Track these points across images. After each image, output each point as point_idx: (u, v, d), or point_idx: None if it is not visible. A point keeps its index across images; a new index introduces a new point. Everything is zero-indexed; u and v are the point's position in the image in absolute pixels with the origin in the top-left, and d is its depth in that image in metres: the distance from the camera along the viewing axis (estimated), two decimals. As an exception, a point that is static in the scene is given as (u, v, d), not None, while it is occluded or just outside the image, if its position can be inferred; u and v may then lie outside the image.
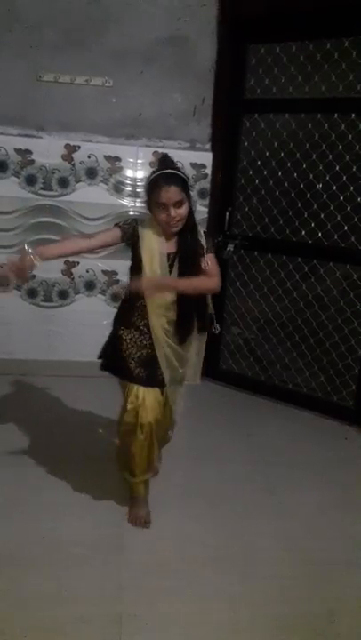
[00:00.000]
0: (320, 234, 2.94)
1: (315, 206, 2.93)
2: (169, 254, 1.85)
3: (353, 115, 2.74)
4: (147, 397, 1.90)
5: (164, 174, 1.77)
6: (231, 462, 2.55)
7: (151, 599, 1.70)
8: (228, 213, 3.15)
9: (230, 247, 3.13)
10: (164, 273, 1.84)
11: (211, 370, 3.41)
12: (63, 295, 3.20)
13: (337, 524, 2.15)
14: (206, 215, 3.17)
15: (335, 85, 2.77)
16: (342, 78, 2.74)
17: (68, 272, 3.17)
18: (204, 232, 1.92)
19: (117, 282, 3.20)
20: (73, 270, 3.16)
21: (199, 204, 3.14)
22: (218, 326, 2.08)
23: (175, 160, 2.99)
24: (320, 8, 2.64)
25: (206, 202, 3.16)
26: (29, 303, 3.20)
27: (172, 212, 1.75)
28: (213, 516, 2.13)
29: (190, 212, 1.83)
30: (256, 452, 2.65)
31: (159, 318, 1.87)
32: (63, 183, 3.05)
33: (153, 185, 1.76)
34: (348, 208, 2.82)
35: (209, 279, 1.89)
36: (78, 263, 3.15)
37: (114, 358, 1.95)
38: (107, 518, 2.04)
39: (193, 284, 1.86)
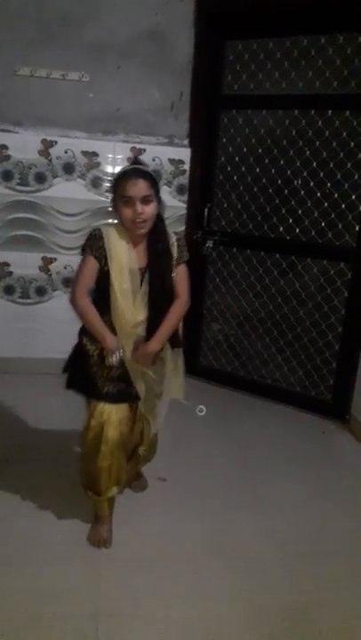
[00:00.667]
0: (298, 230, 2.96)
1: (293, 203, 2.95)
2: (141, 269, 1.76)
3: (330, 111, 2.76)
4: (113, 413, 1.79)
5: (133, 168, 1.71)
6: (211, 457, 2.56)
7: (130, 596, 1.70)
8: (206, 209, 3.15)
9: (209, 243, 3.14)
10: (134, 290, 1.74)
11: (191, 366, 3.41)
12: (41, 292, 3.17)
13: (316, 517, 2.18)
14: (185, 211, 3.17)
15: (312, 82, 2.78)
16: (319, 75, 2.75)
17: (45, 268, 3.14)
18: (177, 239, 1.82)
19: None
20: (50, 267, 3.13)
21: (178, 199, 3.14)
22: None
23: (153, 156, 3.02)
24: (296, 5, 2.66)
25: (185, 198, 3.15)
26: (6, 300, 3.16)
27: (139, 207, 1.65)
28: (194, 511, 2.14)
29: (161, 218, 1.77)
30: (236, 446, 2.66)
31: (128, 338, 1.78)
32: (40, 179, 3.01)
33: (120, 178, 1.69)
34: (326, 204, 2.85)
35: (179, 306, 1.83)
36: (56, 259, 3.12)
37: (80, 375, 1.85)
38: (85, 516, 2.03)
39: (169, 327, 1.80)
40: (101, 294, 1.77)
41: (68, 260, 3.12)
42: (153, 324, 1.79)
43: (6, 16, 2.82)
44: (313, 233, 2.91)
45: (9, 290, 3.15)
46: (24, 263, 3.12)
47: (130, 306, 1.75)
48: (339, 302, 2.91)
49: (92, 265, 1.73)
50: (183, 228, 3.18)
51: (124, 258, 1.73)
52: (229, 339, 3.37)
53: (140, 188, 1.65)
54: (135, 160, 1.80)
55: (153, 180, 1.70)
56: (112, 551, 1.88)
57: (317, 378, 3.06)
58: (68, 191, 3.04)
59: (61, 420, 2.63)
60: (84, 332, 1.84)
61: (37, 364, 3.16)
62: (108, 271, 1.72)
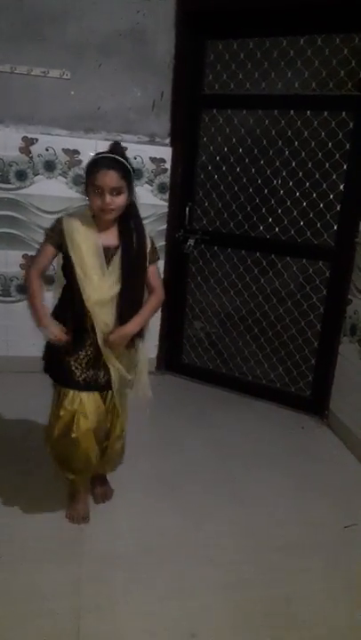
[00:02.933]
0: (277, 229, 3.00)
1: (272, 202, 2.99)
2: (108, 247, 1.74)
3: (308, 112, 2.80)
4: (86, 402, 1.82)
5: (107, 157, 1.66)
6: (193, 453, 2.59)
7: (111, 592, 1.72)
8: (188, 208, 3.17)
9: (191, 242, 3.16)
10: (100, 266, 1.72)
11: (173, 363, 3.45)
12: (22, 290, 3.15)
13: (294, 511, 2.22)
14: (166, 210, 3.18)
15: (291, 82, 2.82)
16: (298, 75, 2.79)
17: (26, 266, 3.13)
18: (151, 237, 1.83)
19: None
20: (32, 265, 3.12)
21: (159, 198, 3.15)
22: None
23: (135, 155, 3.02)
24: (276, 6, 2.68)
25: (166, 196, 3.16)
26: (-13, 298, 3.15)
27: (108, 198, 1.63)
28: (175, 506, 2.17)
29: (134, 205, 1.75)
30: (217, 442, 2.70)
31: (98, 320, 1.77)
32: (21, 176, 3.00)
33: (92, 166, 1.65)
34: (304, 204, 2.89)
35: (155, 298, 1.86)
36: (37, 257, 3.11)
37: (53, 362, 1.87)
38: (63, 514, 2.04)
39: (149, 312, 1.83)
40: (68, 279, 1.78)
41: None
42: (125, 300, 1.77)
43: (-14, 12, 2.80)
44: (292, 232, 2.96)
45: (-10, 288, 3.14)
46: (5, 261, 3.11)
47: (96, 282, 1.72)
48: (318, 300, 2.96)
49: (48, 251, 1.76)
50: (165, 226, 3.20)
51: (85, 238, 1.71)
52: (211, 336, 3.40)
53: (110, 178, 1.62)
54: (114, 147, 1.75)
55: (126, 170, 1.66)
56: (91, 547, 1.89)
57: (297, 374, 3.12)
58: (49, 189, 3.03)
59: (42, 419, 2.62)
60: (56, 319, 1.83)
61: (19, 363, 3.15)
62: (71, 256, 1.72)
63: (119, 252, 1.75)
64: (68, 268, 1.75)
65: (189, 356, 3.46)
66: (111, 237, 1.76)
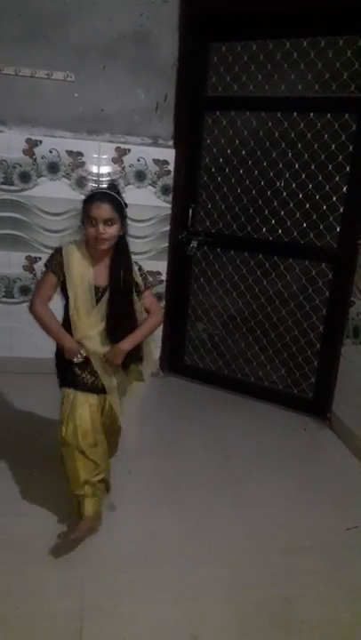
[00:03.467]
0: (280, 231, 3.00)
1: (275, 204, 2.99)
2: (98, 287, 1.89)
3: (311, 114, 2.81)
4: (88, 406, 1.93)
5: (101, 192, 1.86)
6: (195, 454, 2.59)
7: (113, 593, 1.73)
8: (191, 210, 3.17)
9: (194, 243, 3.17)
10: (90, 304, 1.88)
11: (175, 365, 3.46)
12: (25, 291, 3.17)
13: (296, 513, 2.22)
14: (170, 212, 3.19)
15: (294, 84, 2.82)
16: (301, 78, 2.80)
17: (29, 267, 3.14)
18: (139, 268, 1.97)
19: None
20: (34, 266, 3.14)
21: (162, 200, 3.16)
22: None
23: (138, 157, 3.04)
24: (279, 9, 2.69)
25: (169, 198, 3.17)
26: (-9, 299, 3.17)
27: (101, 227, 1.79)
28: (176, 508, 2.17)
29: (124, 238, 1.90)
30: (219, 443, 2.70)
31: (93, 346, 1.91)
32: (24, 178, 3.01)
33: (88, 199, 1.84)
34: (307, 206, 2.90)
35: (153, 318, 1.97)
36: (40, 259, 3.12)
37: (62, 370, 1.99)
38: (68, 514, 2.05)
39: (145, 331, 1.94)
40: (66, 301, 1.92)
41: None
42: (112, 336, 1.90)
43: (-10, 14, 2.81)
44: (295, 234, 2.96)
45: (-7, 289, 3.15)
46: (8, 262, 3.12)
47: (84, 319, 1.88)
48: (320, 302, 2.96)
49: (50, 279, 1.89)
50: (168, 228, 3.20)
51: (81, 273, 1.87)
52: (213, 338, 3.40)
53: (103, 210, 1.79)
54: (110, 185, 1.98)
55: (118, 204, 1.83)
56: (93, 549, 1.90)
57: (299, 376, 3.12)
58: (52, 191, 3.04)
59: (47, 420, 2.64)
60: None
61: (22, 364, 3.16)
62: (67, 289, 1.87)
63: (107, 294, 1.89)
64: (65, 292, 1.90)
65: (192, 357, 3.46)
66: (101, 277, 1.90)
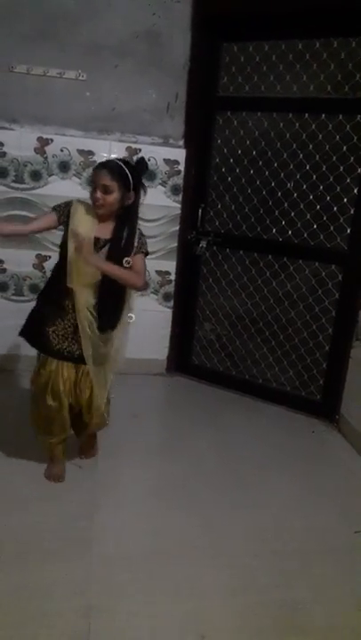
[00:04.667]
0: (290, 232, 2.99)
1: (285, 205, 2.99)
2: (98, 238, 1.96)
3: (323, 115, 2.80)
4: (60, 369, 2.04)
5: (107, 160, 1.98)
6: (202, 455, 2.59)
7: (120, 592, 1.73)
8: (200, 210, 3.17)
9: (203, 244, 3.17)
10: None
11: (183, 365, 3.46)
12: (34, 289, 3.17)
13: (303, 515, 2.21)
14: (179, 211, 3.19)
15: (306, 85, 2.81)
16: (313, 79, 2.79)
17: (39, 266, 3.15)
18: (141, 234, 2.03)
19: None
20: (44, 264, 3.14)
21: (172, 199, 3.16)
22: (132, 316, 2.14)
23: (149, 156, 3.03)
24: (292, 9, 2.68)
25: (179, 198, 3.17)
26: (0, 297, 3.17)
27: (98, 193, 1.88)
28: (183, 509, 2.17)
29: (134, 208, 1.96)
30: (226, 444, 2.69)
31: (85, 298, 1.97)
32: (35, 176, 3.02)
33: (95, 166, 1.96)
34: (318, 207, 2.88)
35: (134, 274, 2.00)
36: (50, 257, 3.13)
37: (33, 331, 2.09)
38: (75, 512, 2.06)
39: (117, 271, 1.95)
40: (61, 258, 2.00)
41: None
42: (105, 284, 1.96)
43: (3, 13, 2.81)
44: (305, 235, 2.95)
45: (3, 287, 3.16)
46: (18, 260, 3.13)
47: (82, 267, 1.92)
48: (330, 304, 2.95)
49: (49, 216, 2.01)
50: (177, 227, 3.20)
51: (85, 227, 1.94)
52: (221, 338, 3.40)
53: (101, 176, 1.88)
54: (140, 161, 2.03)
55: (120, 174, 1.89)
56: (99, 547, 1.90)
57: (308, 378, 3.11)
58: (63, 189, 3.04)
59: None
60: (42, 294, 2.15)
61: (32, 362, 3.15)
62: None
63: (107, 245, 1.97)
64: (64, 246, 1.97)
65: (199, 357, 3.46)
66: (105, 231, 1.98)
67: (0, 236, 2.15)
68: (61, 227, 2.02)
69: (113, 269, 1.93)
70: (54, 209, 2.01)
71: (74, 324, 2.00)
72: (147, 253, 2.06)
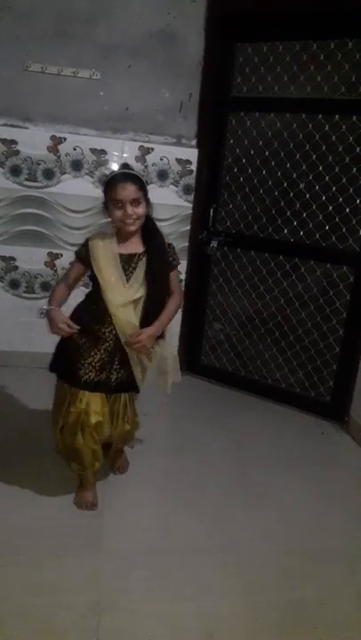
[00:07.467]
0: (302, 232, 2.99)
1: (297, 205, 2.98)
2: (133, 255, 1.88)
3: (337, 116, 2.79)
4: (92, 402, 1.91)
5: (122, 173, 1.83)
6: (211, 456, 2.59)
7: (130, 588, 1.74)
8: (212, 210, 3.18)
9: (214, 243, 3.17)
10: (119, 273, 1.85)
11: (192, 364, 3.46)
12: (46, 287, 3.19)
13: (313, 516, 2.21)
14: (191, 211, 3.19)
15: (320, 86, 2.81)
16: (327, 80, 2.78)
17: (51, 264, 3.17)
18: (169, 244, 1.96)
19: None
20: (56, 262, 3.16)
21: (184, 199, 3.17)
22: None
23: (161, 156, 3.05)
24: (306, 9, 2.68)
25: (191, 198, 3.18)
26: (12, 294, 3.19)
27: (129, 209, 1.78)
28: (193, 509, 2.17)
29: (151, 218, 1.90)
30: (235, 445, 2.70)
31: (122, 321, 1.87)
32: (48, 175, 3.04)
33: (110, 182, 1.81)
34: (330, 208, 2.88)
35: (173, 303, 1.97)
36: (62, 255, 3.15)
37: (63, 362, 1.97)
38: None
39: (169, 315, 1.94)
40: (94, 287, 1.93)
41: (72, 257, 3.14)
42: (151, 301, 1.89)
43: (18, 12, 2.83)
44: (317, 236, 2.94)
45: (14, 284, 3.18)
46: (30, 258, 3.15)
47: (120, 287, 1.85)
48: (341, 305, 2.94)
49: (76, 268, 1.96)
50: (188, 227, 3.21)
51: (105, 251, 1.87)
52: (231, 338, 3.40)
53: (128, 191, 1.77)
54: (124, 165, 1.99)
55: (141, 182, 1.82)
56: (109, 544, 1.91)
57: (317, 379, 3.10)
58: (75, 188, 3.06)
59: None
60: (73, 321, 1.95)
61: (42, 359, 3.16)
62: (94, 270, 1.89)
63: (144, 258, 1.88)
64: (93, 277, 1.91)
65: (209, 357, 3.46)
66: (134, 246, 1.90)
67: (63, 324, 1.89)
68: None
69: (164, 321, 1.92)
70: (77, 257, 1.95)
71: (109, 352, 1.90)
72: (178, 264, 1.99)
